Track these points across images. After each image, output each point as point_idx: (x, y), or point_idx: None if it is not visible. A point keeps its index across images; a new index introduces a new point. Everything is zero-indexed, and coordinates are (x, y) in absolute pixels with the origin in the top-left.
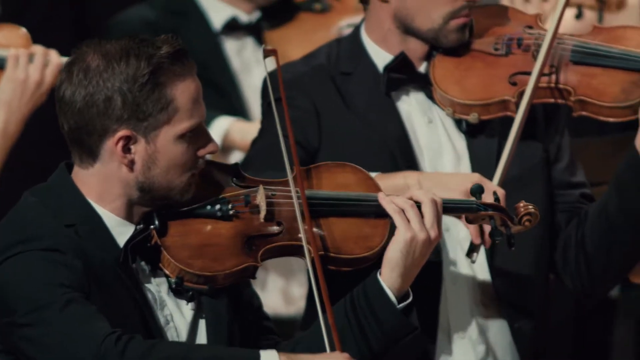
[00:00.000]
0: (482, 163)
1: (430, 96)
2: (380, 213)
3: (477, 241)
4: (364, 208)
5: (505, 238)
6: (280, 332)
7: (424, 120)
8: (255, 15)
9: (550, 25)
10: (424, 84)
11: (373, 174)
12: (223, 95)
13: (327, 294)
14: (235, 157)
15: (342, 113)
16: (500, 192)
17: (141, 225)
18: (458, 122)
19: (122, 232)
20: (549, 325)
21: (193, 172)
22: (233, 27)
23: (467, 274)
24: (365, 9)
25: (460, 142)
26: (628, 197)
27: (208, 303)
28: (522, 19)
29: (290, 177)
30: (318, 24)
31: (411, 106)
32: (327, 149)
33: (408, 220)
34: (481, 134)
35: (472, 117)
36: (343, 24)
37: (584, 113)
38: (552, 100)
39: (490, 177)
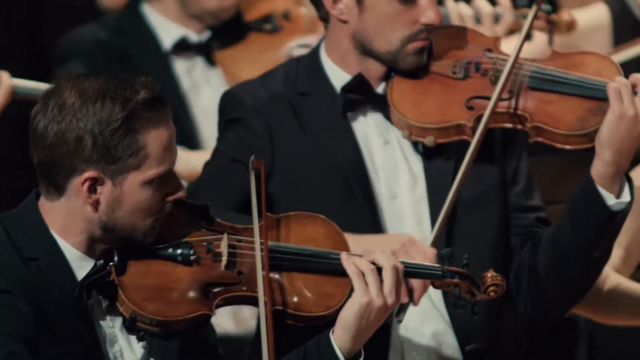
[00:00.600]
0: (437, 185)
1: (388, 117)
2: (342, 272)
3: (405, 300)
4: (328, 266)
5: (468, 306)
6: (230, 351)
7: (381, 141)
8: (205, 35)
9: (512, 52)
10: (382, 105)
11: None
12: (172, 116)
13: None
14: None
15: (297, 136)
16: (430, 252)
17: (101, 261)
18: (415, 144)
19: (81, 266)
20: (502, 347)
21: (158, 217)
22: (183, 46)
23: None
24: (325, 28)
25: (416, 163)
26: (581, 223)
27: (158, 346)
28: (482, 41)
29: (256, 226)
30: (268, 44)
31: (368, 127)
32: (279, 174)
33: (367, 285)
34: (438, 156)
35: (429, 140)
36: (293, 45)
37: (540, 139)
38: (509, 125)
39: (444, 198)
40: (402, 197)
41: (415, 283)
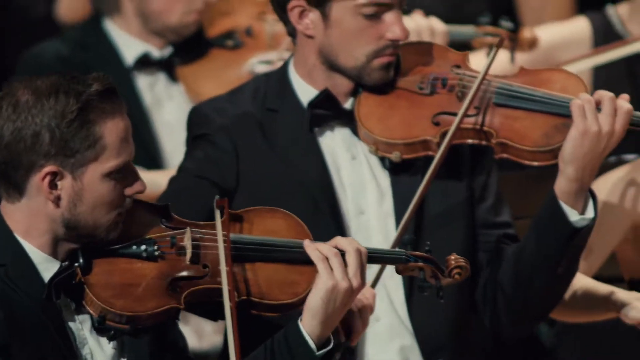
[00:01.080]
0: (404, 200)
1: (355, 132)
2: (307, 260)
3: (343, 339)
4: (291, 254)
5: (434, 290)
6: None
7: (348, 157)
8: (167, 51)
9: (480, 68)
10: (350, 120)
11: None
12: (135, 131)
13: (239, 342)
14: None
15: (264, 153)
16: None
17: (66, 262)
18: (382, 159)
19: (47, 268)
20: None
21: (120, 211)
22: (145, 62)
23: (386, 310)
24: (294, 44)
25: (384, 179)
26: (545, 239)
27: (130, 343)
28: (450, 57)
29: (218, 220)
30: (230, 60)
31: (335, 142)
32: (244, 191)
33: (331, 269)
34: (405, 172)
35: (395, 156)
36: (255, 61)
37: (505, 156)
38: (474, 141)
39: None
40: (369, 213)
41: (356, 324)
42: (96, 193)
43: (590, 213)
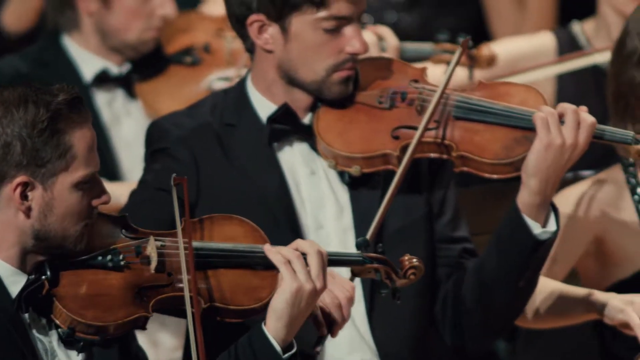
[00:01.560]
0: (364, 215)
1: (314, 147)
2: (268, 265)
3: (324, 332)
4: (252, 260)
5: (390, 291)
6: None
7: (307, 172)
8: (126, 67)
9: (439, 82)
10: (308, 135)
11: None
12: None
13: (204, 348)
14: None
15: (223, 167)
16: (348, 285)
17: (33, 276)
18: (341, 174)
19: (14, 281)
20: None
21: (87, 222)
22: (103, 79)
23: (346, 324)
24: (252, 59)
25: (343, 194)
26: (507, 253)
27: (99, 354)
28: (408, 72)
29: (179, 228)
30: (189, 77)
31: (294, 157)
32: (204, 204)
33: (294, 271)
34: (364, 187)
35: (354, 170)
36: (213, 77)
37: (465, 169)
38: (435, 155)
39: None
40: (328, 227)
41: (337, 316)
42: (66, 203)
43: (552, 226)
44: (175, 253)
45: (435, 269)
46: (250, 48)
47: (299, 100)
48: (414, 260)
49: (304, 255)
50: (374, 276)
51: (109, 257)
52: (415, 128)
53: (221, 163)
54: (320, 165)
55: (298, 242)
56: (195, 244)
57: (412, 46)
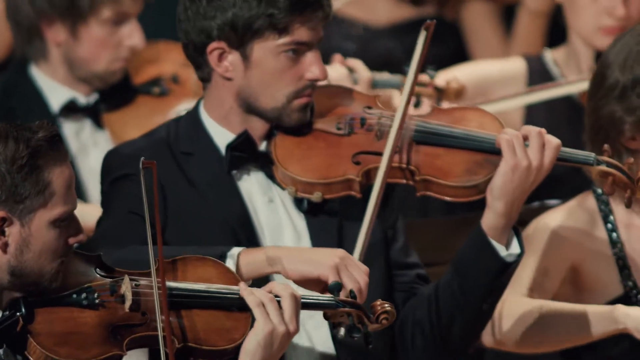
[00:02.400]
0: (321, 242)
1: (269, 175)
2: (241, 306)
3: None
4: (226, 300)
5: (362, 336)
6: None
7: (265, 200)
8: (93, 98)
9: (400, 105)
10: (264, 163)
11: (238, 249)
12: None
13: None
14: None
15: (186, 191)
16: (364, 268)
17: (7, 312)
18: (298, 202)
19: None
20: None
21: (62, 260)
22: (71, 109)
23: (309, 346)
24: (204, 88)
25: (300, 221)
26: (472, 277)
27: None
28: (361, 99)
29: (152, 268)
30: (156, 107)
31: (252, 185)
32: (172, 227)
33: (267, 314)
34: (321, 213)
35: (316, 196)
36: (181, 108)
37: (428, 193)
38: (397, 180)
39: None
40: None
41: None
42: (43, 240)
43: (516, 248)
44: (150, 292)
45: (393, 294)
46: (206, 77)
47: (256, 128)
48: (386, 305)
49: (277, 297)
50: (347, 320)
51: (83, 295)
52: (375, 153)
53: (185, 188)
54: (277, 192)
55: (272, 285)
56: (169, 284)
57: (383, 77)
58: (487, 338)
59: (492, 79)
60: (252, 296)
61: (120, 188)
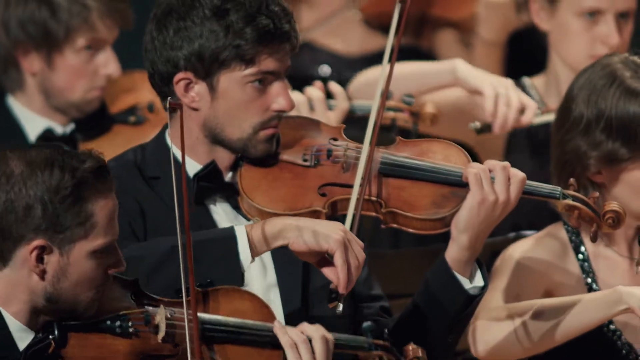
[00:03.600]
0: (287, 273)
1: (235, 206)
2: (274, 344)
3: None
4: (259, 338)
5: None
6: None
7: None
8: (70, 127)
9: (366, 137)
10: (230, 194)
11: (243, 227)
12: None
13: None
14: None
15: (162, 211)
16: (362, 257)
17: (40, 334)
18: None
19: (22, 337)
20: None
21: (99, 289)
22: (48, 138)
23: None
24: (171, 118)
25: (266, 252)
26: (438, 309)
27: None
28: (327, 130)
29: (184, 299)
30: (133, 136)
31: (219, 216)
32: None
33: (300, 355)
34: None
35: None
36: None
37: (394, 225)
38: (363, 211)
39: (294, 285)
40: (252, 285)
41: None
42: (81, 269)
43: (480, 281)
44: (183, 325)
45: (357, 327)
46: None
47: (222, 158)
48: (419, 350)
49: (310, 339)
50: None
51: (117, 322)
52: (342, 185)
53: (161, 208)
54: (243, 223)
55: (305, 326)
56: (204, 316)
57: (357, 104)
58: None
59: (468, 103)
60: (285, 337)
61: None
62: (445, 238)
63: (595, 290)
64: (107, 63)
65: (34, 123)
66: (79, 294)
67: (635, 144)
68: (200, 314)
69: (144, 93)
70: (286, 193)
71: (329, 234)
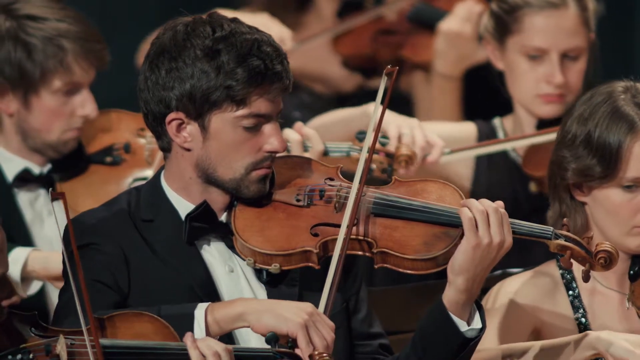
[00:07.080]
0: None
1: (230, 245)
2: None
3: None
4: (166, 357)
5: None
6: None
7: (225, 270)
8: (47, 167)
9: (355, 179)
10: (225, 234)
11: (204, 305)
12: (15, 246)
13: None
14: (36, 287)
15: (149, 258)
16: (332, 324)
17: None
18: (258, 272)
19: None
20: None
21: None
22: (25, 179)
23: None
24: (165, 158)
25: (261, 291)
26: (434, 352)
27: None
28: (323, 170)
29: (84, 327)
30: (109, 177)
31: (213, 256)
32: (136, 295)
33: None
34: (281, 284)
35: (274, 268)
36: (134, 177)
37: (385, 265)
38: (354, 252)
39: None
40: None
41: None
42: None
43: (477, 323)
44: (85, 352)
45: None
46: (166, 147)
47: (216, 199)
48: (324, 355)
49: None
50: None
51: (19, 356)
52: (334, 225)
53: (147, 255)
54: (237, 263)
55: (207, 339)
56: (104, 342)
57: (332, 144)
58: None
59: (443, 139)
60: (195, 350)
61: (83, 257)
62: (444, 274)
63: (585, 326)
64: (84, 104)
65: (11, 163)
66: None
67: (609, 166)
68: (101, 340)
69: (121, 133)
70: (279, 233)
71: (289, 317)
